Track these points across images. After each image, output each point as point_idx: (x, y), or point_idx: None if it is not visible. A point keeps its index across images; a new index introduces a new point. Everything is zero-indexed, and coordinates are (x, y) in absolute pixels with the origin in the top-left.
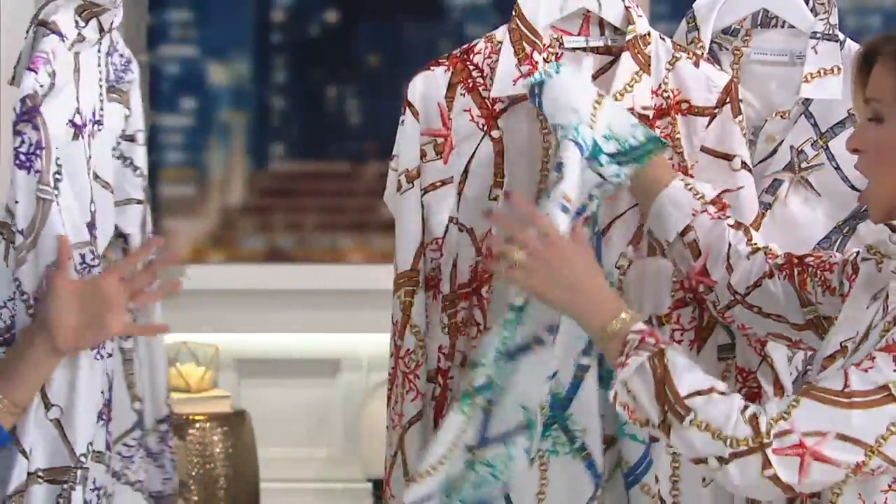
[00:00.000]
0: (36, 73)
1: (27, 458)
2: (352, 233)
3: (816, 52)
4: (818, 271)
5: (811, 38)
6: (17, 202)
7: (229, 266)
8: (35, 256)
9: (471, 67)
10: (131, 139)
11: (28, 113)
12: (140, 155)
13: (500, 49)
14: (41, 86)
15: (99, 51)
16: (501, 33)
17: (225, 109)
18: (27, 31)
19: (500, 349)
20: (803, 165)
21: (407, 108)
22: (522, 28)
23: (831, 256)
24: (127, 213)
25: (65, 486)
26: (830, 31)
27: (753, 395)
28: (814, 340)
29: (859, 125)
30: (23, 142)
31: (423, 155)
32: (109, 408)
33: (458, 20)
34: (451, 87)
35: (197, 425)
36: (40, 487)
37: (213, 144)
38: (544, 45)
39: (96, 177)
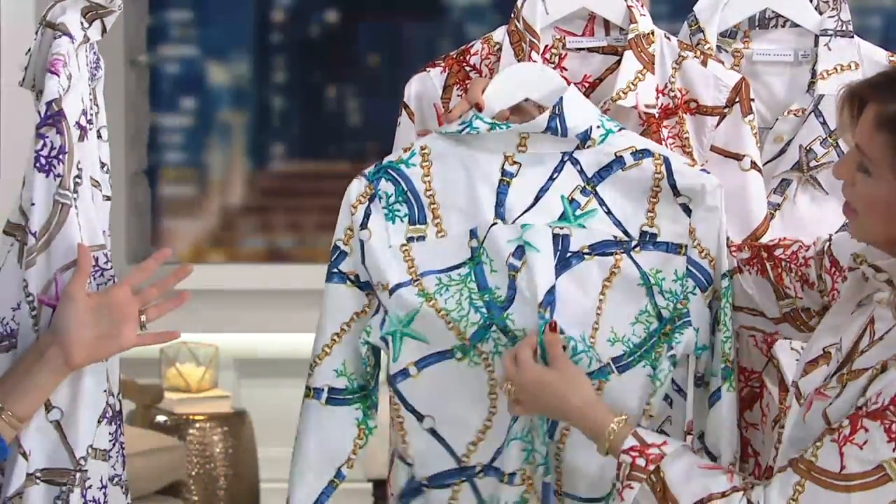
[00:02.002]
0: (58, 76)
1: (27, 459)
2: None
3: (830, 49)
4: (793, 266)
5: (821, 35)
6: (32, 204)
7: (229, 266)
8: (46, 260)
9: (467, 69)
10: (98, 136)
11: (53, 116)
12: (105, 152)
13: (497, 50)
14: (63, 89)
15: (86, 51)
16: (499, 35)
17: (225, 109)
18: (36, 33)
19: None
20: (812, 164)
21: (403, 110)
22: (521, 29)
23: (801, 248)
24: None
25: (63, 487)
26: (843, 28)
27: (755, 396)
28: (791, 332)
29: (847, 158)
30: (44, 145)
31: None
32: (116, 407)
33: (458, 20)
34: (446, 88)
35: (197, 425)
36: (38, 488)
37: (213, 144)
38: (546, 45)
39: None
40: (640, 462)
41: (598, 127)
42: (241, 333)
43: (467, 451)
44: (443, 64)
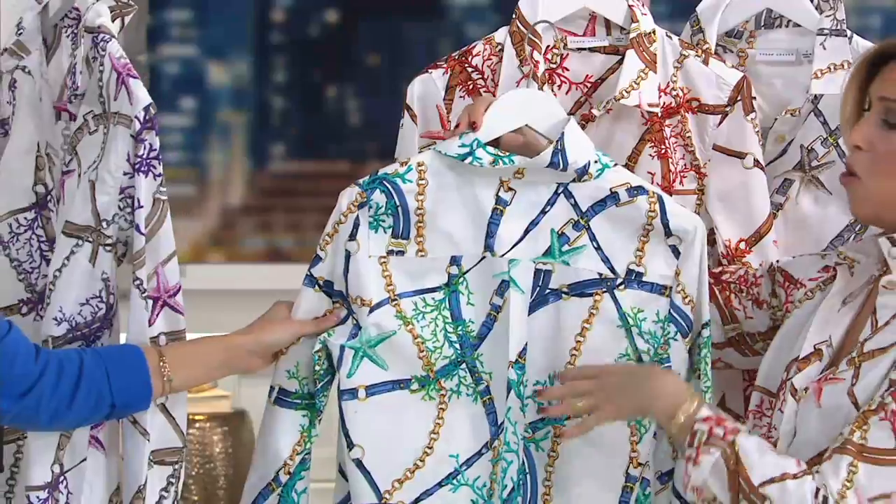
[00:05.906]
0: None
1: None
2: None
3: (825, 49)
4: (743, 287)
5: (818, 34)
6: (141, 206)
7: (229, 266)
8: (152, 255)
9: (469, 69)
10: None
11: (151, 120)
12: None
13: (499, 51)
14: None
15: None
16: (501, 35)
17: (225, 109)
18: (80, 35)
19: None
20: (813, 164)
21: (405, 112)
22: (523, 30)
23: (747, 271)
24: None
25: (175, 466)
26: (838, 27)
27: None
28: (734, 357)
29: (864, 122)
30: (145, 148)
31: None
32: None
33: (458, 20)
34: (449, 89)
35: (197, 425)
36: (152, 471)
37: (213, 144)
38: (547, 46)
39: None
40: (718, 431)
41: (596, 162)
42: None
43: (391, 488)
44: (445, 65)
